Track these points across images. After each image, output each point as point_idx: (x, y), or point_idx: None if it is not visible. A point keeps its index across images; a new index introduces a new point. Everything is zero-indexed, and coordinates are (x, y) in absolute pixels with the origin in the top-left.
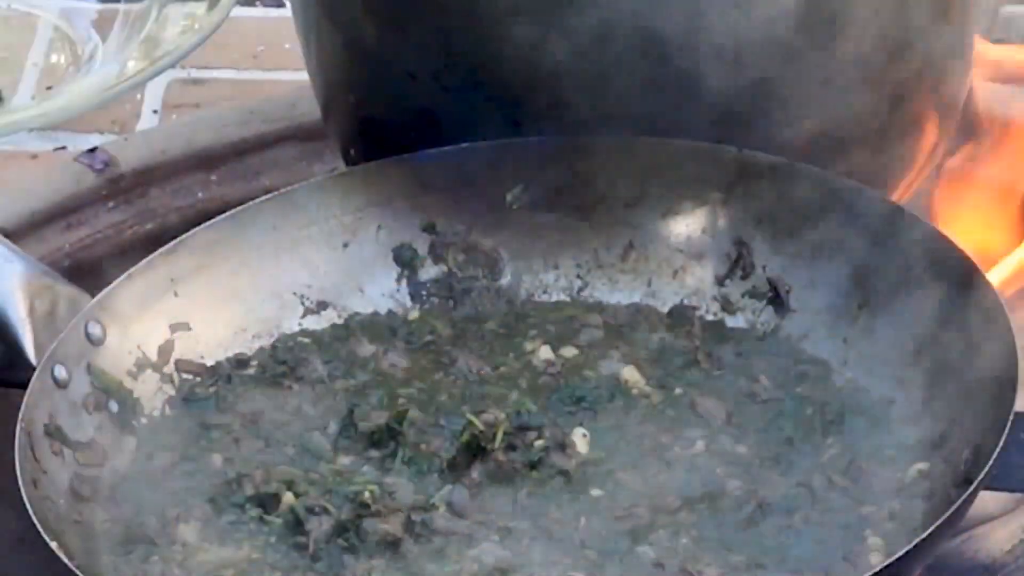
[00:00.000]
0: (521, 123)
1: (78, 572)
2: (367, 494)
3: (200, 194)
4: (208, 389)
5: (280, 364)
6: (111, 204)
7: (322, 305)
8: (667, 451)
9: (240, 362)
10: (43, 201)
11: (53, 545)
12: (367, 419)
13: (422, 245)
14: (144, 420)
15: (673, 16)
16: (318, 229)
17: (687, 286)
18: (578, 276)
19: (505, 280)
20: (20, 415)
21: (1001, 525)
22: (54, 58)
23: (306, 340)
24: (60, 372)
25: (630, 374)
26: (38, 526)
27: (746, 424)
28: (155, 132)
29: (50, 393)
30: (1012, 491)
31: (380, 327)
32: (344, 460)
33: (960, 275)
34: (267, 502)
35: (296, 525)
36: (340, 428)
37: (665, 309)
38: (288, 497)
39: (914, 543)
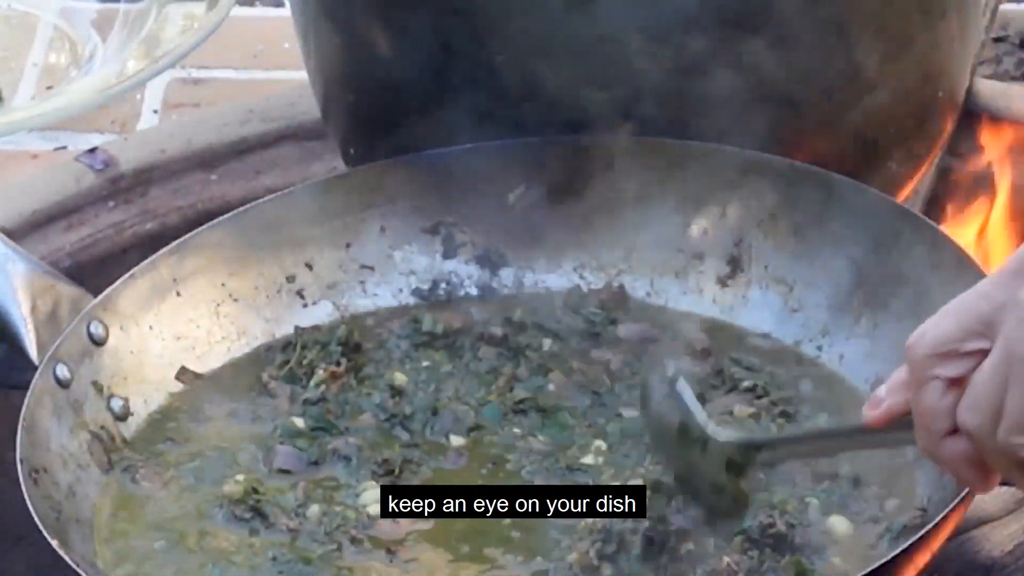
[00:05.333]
0: (521, 123)
1: (79, 569)
2: (368, 494)
3: (200, 193)
4: (210, 389)
5: (282, 364)
6: (111, 204)
7: (325, 305)
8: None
9: (243, 361)
10: (44, 201)
11: (54, 543)
12: (369, 419)
13: (425, 245)
14: (145, 419)
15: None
16: (320, 230)
17: (690, 286)
18: (580, 276)
19: (508, 280)
20: (22, 414)
21: (1001, 526)
22: (54, 58)
23: (308, 340)
24: (62, 371)
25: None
26: (39, 524)
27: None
28: (155, 132)
29: (52, 392)
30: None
31: (383, 326)
32: (344, 461)
33: (961, 274)
34: (267, 502)
35: (296, 526)
36: (341, 429)
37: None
38: (288, 498)
39: (916, 537)
